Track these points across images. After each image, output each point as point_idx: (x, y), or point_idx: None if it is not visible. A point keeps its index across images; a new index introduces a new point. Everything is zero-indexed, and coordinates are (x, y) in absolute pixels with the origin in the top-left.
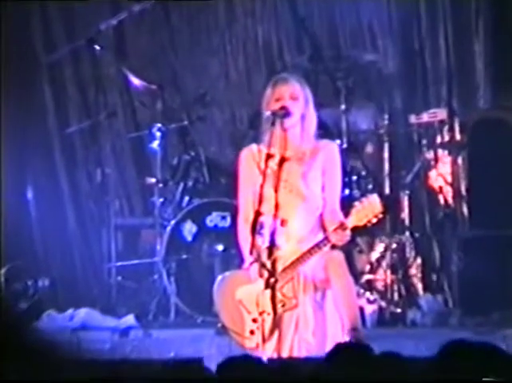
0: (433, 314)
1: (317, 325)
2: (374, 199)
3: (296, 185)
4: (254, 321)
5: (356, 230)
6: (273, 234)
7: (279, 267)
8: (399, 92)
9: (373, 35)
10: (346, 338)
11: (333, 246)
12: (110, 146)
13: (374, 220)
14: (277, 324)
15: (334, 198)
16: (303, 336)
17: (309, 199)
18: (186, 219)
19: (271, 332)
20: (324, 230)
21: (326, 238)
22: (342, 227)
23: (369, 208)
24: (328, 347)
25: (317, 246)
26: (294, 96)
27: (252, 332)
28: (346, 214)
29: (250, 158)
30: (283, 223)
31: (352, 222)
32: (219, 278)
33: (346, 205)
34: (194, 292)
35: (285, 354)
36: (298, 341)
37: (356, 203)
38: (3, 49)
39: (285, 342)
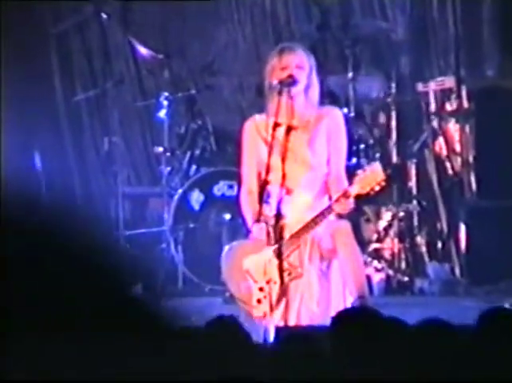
0: (440, 283)
1: (322, 294)
2: (377, 166)
3: (301, 154)
4: (261, 290)
5: (361, 199)
6: (279, 204)
7: (286, 236)
8: (407, 60)
9: (382, 3)
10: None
11: (340, 216)
12: (117, 115)
13: (377, 188)
14: (283, 293)
15: (339, 164)
16: (308, 305)
17: (314, 168)
18: (193, 188)
19: (278, 301)
20: (330, 198)
21: (330, 207)
22: (345, 195)
23: (372, 176)
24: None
25: (322, 214)
26: (300, 65)
27: (259, 301)
28: (351, 182)
29: (253, 128)
30: (288, 191)
31: (355, 190)
32: (226, 247)
33: (353, 174)
34: (202, 261)
35: (292, 323)
36: (303, 310)
37: (359, 172)
38: (9, 19)
39: (292, 311)
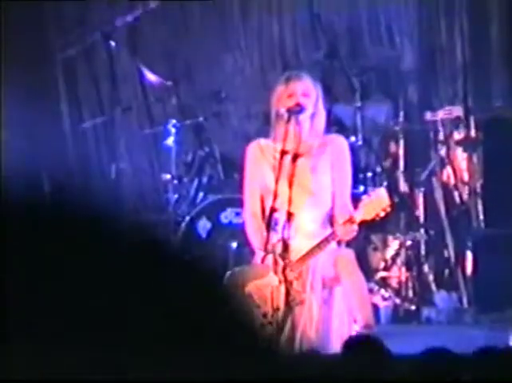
0: (448, 312)
1: (322, 322)
2: (381, 192)
3: (303, 179)
4: (264, 316)
5: (367, 225)
6: (284, 230)
7: (291, 262)
8: (415, 88)
9: (390, 31)
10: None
11: (348, 244)
12: (124, 142)
13: (382, 214)
14: (287, 319)
15: (344, 192)
16: (306, 332)
17: (316, 194)
18: (200, 216)
19: (282, 327)
20: (334, 224)
21: (334, 233)
22: (350, 220)
23: (377, 202)
24: (333, 345)
25: (326, 240)
26: (307, 93)
27: (262, 326)
28: (356, 208)
29: (257, 151)
30: (290, 216)
31: (359, 216)
32: (228, 272)
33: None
34: None
35: (296, 349)
36: (301, 336)
37: (364, 197)
38: (18, 44)
39: (296, 337)
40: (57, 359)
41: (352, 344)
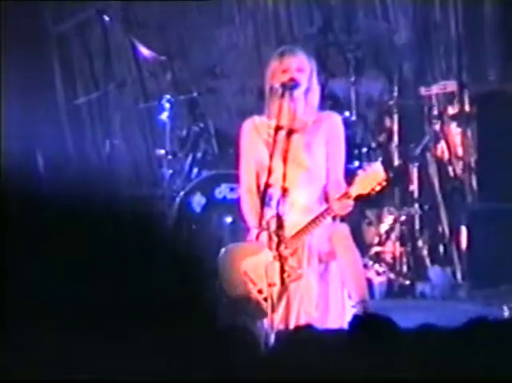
0: (442, 287)
1: (320, 297)
2: (377, 166)
3: (298, 155)
4: (260, 292)
5: (362, 200)
6: (278, 205)
7: (285, 238)
8: (409, 63)
9: (384, 6)
10: (349, 311)
11: (342, 219)
12: (119, 117)
13: (378, 188)
14: (283, 295)
15: (338, 168)
16: (307, 309)
17: (311, 170)
18: (195, 191)
19: (278, 303)
20: (329, 200)
21: (329, 208)
22: (346, 195)
23: (372, 176)
24: (331, 320)
25: (321, 215)
26: (301, 68)
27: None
28: (352, 183)
29: (252, 129)
30: (285, 192)
31: (355, 190)
32: (223, 249)
33: (355, 176)
34: None
35: (291, 326)
36: (302, 312)
37: (359, 172)
38: (11, 21)
39: (292, 314)
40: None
41: (360, 322)
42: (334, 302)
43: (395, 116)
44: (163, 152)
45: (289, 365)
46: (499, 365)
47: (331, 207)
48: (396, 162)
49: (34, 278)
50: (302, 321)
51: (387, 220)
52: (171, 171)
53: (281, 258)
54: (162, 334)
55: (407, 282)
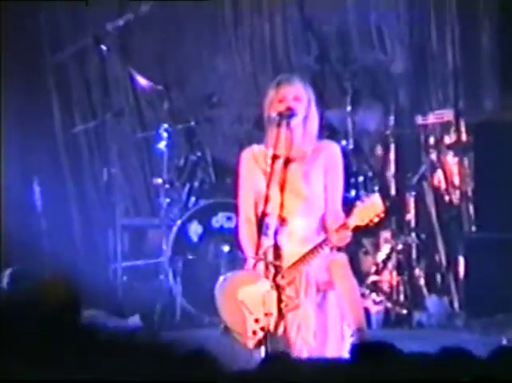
0: (439, 316)
1: (318, 326)
2: (376, 198)
3: (296, 185)
4: (257, 321)
5: (360, 231)
6: (276, 235)
7: (283, 268)
8: (406, 92)
9: (381, 36)
10: (348, 340)
11: (339, 248)
12: (116, 146)
13: (376, 219)
14: (279, 324)
15: (336, 198)
16: (304, 337)
17: (309, 200)
18: (192, 220)
19: (274, 332)
20: (327, 230)
21: (327, 239)
22: (344, 226)
23: (371, 208)
24: (330, 349)
25: (319, 246)
26: (298, 97)
27: (254, 332)
28: (350, 214)
29: (251, 158)
30: (283, 221)
31: (353, 222)
32: (221, 278)
33: (352, 206)
34: (200, 292)
35: (290, 355)
36: (300, 342)
37: (358, 203)
38: (10, 49)
39: (290, 343)
40: None
41: (363, 350)
42: (333, 331)
43: (392, 146)
44: (160, 181)
45: None
46: None
47: (329, 239)
48: (393, 191)
49: None
50: (300, 350)
51: (384, 249)
52: (168, 200)
53: (279, 288)
54: None
55: (404, 311)
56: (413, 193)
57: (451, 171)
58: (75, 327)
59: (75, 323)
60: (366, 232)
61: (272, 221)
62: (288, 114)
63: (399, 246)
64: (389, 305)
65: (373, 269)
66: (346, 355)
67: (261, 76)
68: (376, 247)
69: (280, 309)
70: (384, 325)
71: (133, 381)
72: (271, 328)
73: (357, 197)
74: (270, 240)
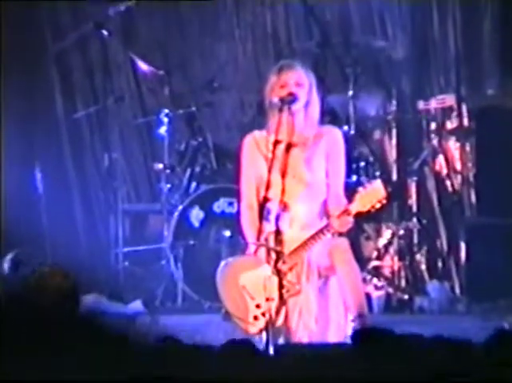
0: (440, 301)
1: (320, 312)
2: (377, 184)
3: (298, 171)
4: (258, 306)
5: (362, 216)
6: (277, 220)
7: (284, 253)
8: (408, 78)
9: (383, 21)
10: (349, 325)
11: (340, 233)
12: (117, 131)
13: (378, 205)
14: (281, 310)
15: (338, 183)
16: (306, 323)
17: (311, 185)
18: (193, 205)
19: (276, 317)
20: (328, 216)
21: (329, 224)
22: (346, 212)
23: (373, 193)
24: (331, 334)
25: (321, 231)
26: (300, 83)
27: (256, 317)
28: (352, 200)
29: (253, 144)
30: (285, 207)
31: (355, 207)
32: (222, 263)
33: (353, 191)
34: (201, 278)
35: (291, 340)
36: (301, 327)
37: (360, 189)
38: (12, 36)
39: (291, 328)
40: None
41: (362, 336)
42: (335, 316)
43: (394, 131)
44: (161, 166)
45: (289, 379)
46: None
47: (331, 224)
48: (394, 176)
49: None
50: (301, 335)
51: (386, 234)
52: (169, 186)
53: (280, 274)
54: None
55: (406, 297)
56: (414, 178)
57: (453, 157)
58: (73, 315)
59: (73, 312)
60: (367, 218)
61: (273, 206)
62: (290, 99)
63: (401, 232)
64: (390, 290)
65: (375, 254)
66: (348, 340)
67: (263, 62)
68: (378, 233)
69: (281, 295)
70: (385, 310)
71: (132, 379)
72: (272, 313)
73: (358, 182)
74: (272, 226)
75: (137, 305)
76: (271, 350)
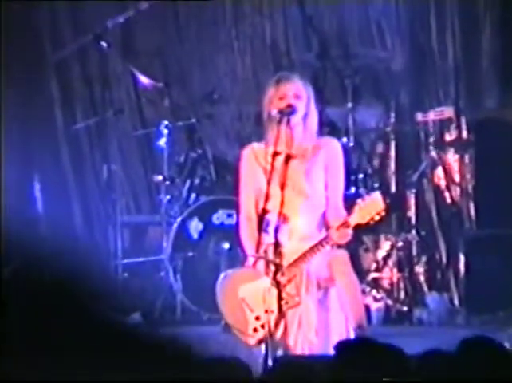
0: (439, 313)
1: (320, 323)
2: (376, 196)
3: (298, 183)
4: (257, 318)
5: (360, 228)
6: (277, 232)
7: (283, 265)
8: (406, 90)
9: (381, 33)
10: (350, 337)
11: (339, 245)
12: (117, 143)
13: (377, 218)
14: (280, 322)
15: (337, 195)
16: (306, 335)
17: (311, 197)
18: (192, 217)
19: (275, 330)
20: (328, 228)
21: (328, 236)
22: (345, 224)
23: (372, 206)
24: (331, 346)
25: (320, 243)
26: (298, 95)
27: (255, 329)
28: (351, 212)
29: (251, 156)
30: (285, 219)
31: (354, 220)
32: (222, 275)
33: (352, 203)
34: (201, 289)
35: (290, 352)
36: (301, 339)
37: (359, 201)
38: (11, 47)
39: (289, 340)
40: None
41: (346, 347)
42: (335, 328)
43: (392, 143)
44: (160, 177)
45: None
46: None
47: (330, 236)
48: (393, 188)
49: None
50: (301, 348)
51: (385, 246)
52: (168, 197)
53: (279, 286)
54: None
55: (405, 308)
56: (413, 190)
57: (452, 169)
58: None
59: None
60: (366, 229)
61: (273, 218)
62: (288, 111)
63: (400, 243)
64: (390, 302)
65: (374, 266)
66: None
67: (262, 74)
68: (377, 244)
69: (280, 307)
70: (384, 321)
71: (133, 380)
72: (272, 325)
73: (357, 194)
74: (271, 237)
75: (136, 316)
76: (270, 362)
